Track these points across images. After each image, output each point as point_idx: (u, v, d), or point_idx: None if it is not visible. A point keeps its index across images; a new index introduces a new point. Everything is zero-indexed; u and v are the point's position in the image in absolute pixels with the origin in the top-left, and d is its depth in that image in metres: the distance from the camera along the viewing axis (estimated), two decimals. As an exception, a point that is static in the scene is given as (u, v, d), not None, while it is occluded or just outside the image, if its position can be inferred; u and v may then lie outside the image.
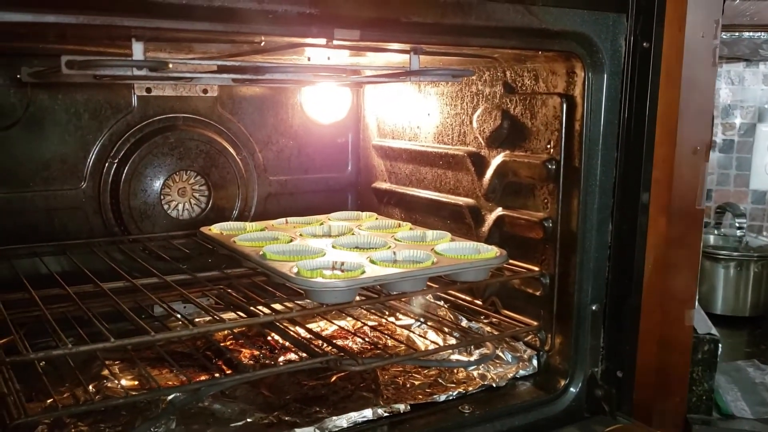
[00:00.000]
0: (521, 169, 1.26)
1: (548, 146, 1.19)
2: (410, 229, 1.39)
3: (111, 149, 1.43)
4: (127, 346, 1.12)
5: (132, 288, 1.24)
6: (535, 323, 1.25)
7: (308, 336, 1.27)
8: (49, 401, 1.06)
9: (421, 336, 1.38)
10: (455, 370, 1.23)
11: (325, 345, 1.24)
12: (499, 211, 1.33)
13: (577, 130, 1.12)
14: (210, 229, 1.34)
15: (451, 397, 1.14)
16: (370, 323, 1.45)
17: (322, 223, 1.42)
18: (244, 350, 1.31)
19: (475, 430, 1.08)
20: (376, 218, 1.53)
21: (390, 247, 1.22)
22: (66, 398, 1.10)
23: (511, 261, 1.23)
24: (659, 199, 1.12)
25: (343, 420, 1.03)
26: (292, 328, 1.28)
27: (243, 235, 1.28)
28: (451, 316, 1.44)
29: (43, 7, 0.67)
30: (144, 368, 1.14)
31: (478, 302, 1.40)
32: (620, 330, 1.17)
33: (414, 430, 1.05)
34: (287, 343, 1.29)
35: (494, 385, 1.19)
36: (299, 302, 1.37)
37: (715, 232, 2.08)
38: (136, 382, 1.17)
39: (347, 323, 1.43)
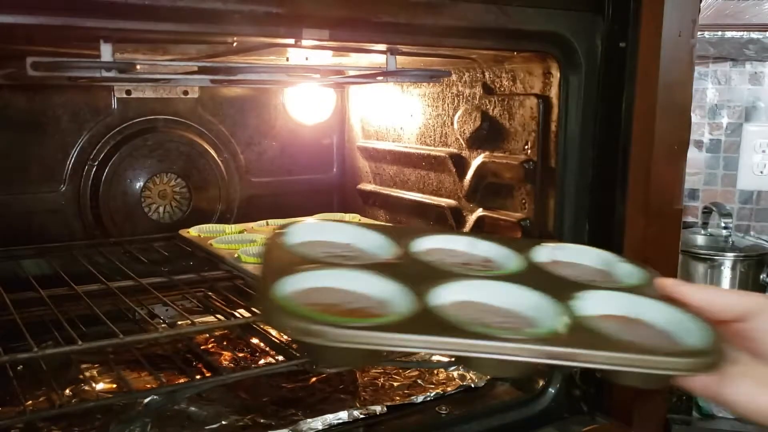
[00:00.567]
0: (500, 170, 1.26)
1: (526, 147, 1.19)
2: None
3: (90, 152, 1.42)
4: (106, 348, 1.12)
5: (112, 291, 1.23)
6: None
7: (287, 339, 1.26)
8: (23, 405, 1.05)
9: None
10: (435, 371, 1.23)
11: (304, 347, 1.23)
12: (479, 212, 1.33)
13: (553, 130, 1.12)
14: (188, 232, 1.34)
15: (428, 398, 1.14)
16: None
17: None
18: (224, 353, 1.30)
19: (452, 430, 1.07)
20: (359, 220, 1.53)
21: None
22: (42, 402, 1.09)
23: (489, 261, 1.23)
24: (636, 199, 1.12)
25: (318, 422, 1.03)
26: (273, 332, 1.28)
27: (220, 237, 1.28)
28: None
29: (6, 8, 0.66)
30: (120, 371, 1.14)
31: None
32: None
33: (389, 431, 1.04)
34: (268, 347, 1.28)
35: (473, 386, 1.18)
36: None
37: (702, 232, 2.07)
38: (114, 386, 1.16)
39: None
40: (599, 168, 1.13)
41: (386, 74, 1.07)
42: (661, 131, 1.11)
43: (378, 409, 1.08)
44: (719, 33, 1.94)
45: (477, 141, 1.32)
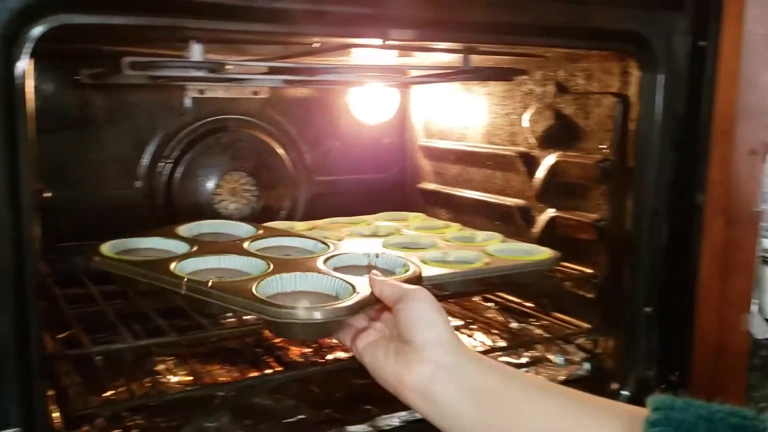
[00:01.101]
0: (574, 169, 1.25)
1: (602, 146, 1.18)
2: (459, 230, 1.39)
3: (164, 150, 1.46)
4: (181, 341, 1.15)
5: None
6: (587, 326, 1.24)
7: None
8: (106, 395, 1.08)
9: (468, 336, 1.37)
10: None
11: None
12: (551, 212, 1.32)
13: (631, 130, 1.10)
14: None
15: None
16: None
17: (369, 224, 1.42)
18: (292, 348, 1.32)
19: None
20: (423, 218, 1.53)
21: (439, 247, 1.22)
22: (122, 392, 1.12)
23: (563, 263, 1.22)
24: (716, 201, 1.10)
25: (395, 418, 1.04)
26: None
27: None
28: (501, 318, 1.43)
29: (112, 10, 0.69)
30: (194, 364, 1.16)
31: (528, 304, 1.39)
32: (674, 333, 1.15)
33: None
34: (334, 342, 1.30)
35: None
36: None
37: (771, 235, 2.02)
38: (190, 378, 1.19)
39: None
40: (677, 169, 1.11)
41: (463, 72, 1.07)
42: (741, 133, 1.09)
43: (451, 406, 1.08)
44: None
45: (549, 140, 1.32)
